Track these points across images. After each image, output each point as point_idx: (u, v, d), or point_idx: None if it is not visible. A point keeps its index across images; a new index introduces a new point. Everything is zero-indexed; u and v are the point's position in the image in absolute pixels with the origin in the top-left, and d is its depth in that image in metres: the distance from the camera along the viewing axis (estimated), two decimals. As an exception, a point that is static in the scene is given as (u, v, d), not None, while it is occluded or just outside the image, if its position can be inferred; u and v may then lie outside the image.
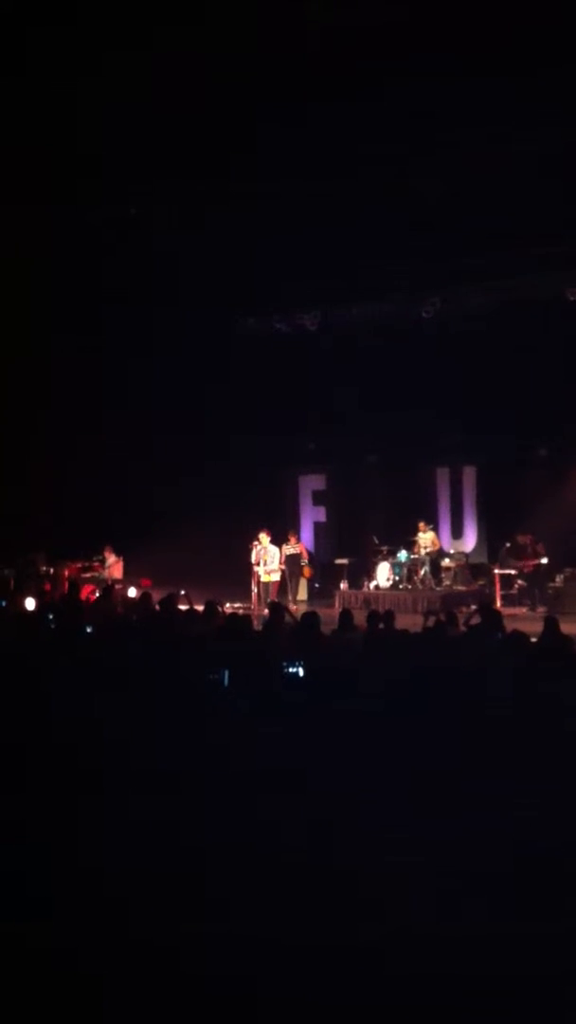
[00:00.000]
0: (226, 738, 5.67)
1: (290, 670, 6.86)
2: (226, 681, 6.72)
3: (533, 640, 7.49)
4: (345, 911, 4.11)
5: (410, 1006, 3.60)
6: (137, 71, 10.87)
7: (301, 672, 6.85)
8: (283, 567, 15.92)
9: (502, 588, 15.40)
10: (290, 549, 16.40)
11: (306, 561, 16.82)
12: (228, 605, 13.90)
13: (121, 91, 11.23)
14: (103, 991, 3.73)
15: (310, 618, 8.17)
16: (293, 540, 16.81)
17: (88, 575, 15.94)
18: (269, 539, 15.59)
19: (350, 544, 17.62)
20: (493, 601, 14.30)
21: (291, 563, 16.34)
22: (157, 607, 10.12)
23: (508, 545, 15.60)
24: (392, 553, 16.26)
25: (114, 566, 16.04)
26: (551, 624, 7.71)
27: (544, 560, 15.08)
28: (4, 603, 11.97)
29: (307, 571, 16.78)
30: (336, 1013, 3.60)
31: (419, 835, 4.48)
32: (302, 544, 17.13)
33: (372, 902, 4.14)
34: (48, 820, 4.86)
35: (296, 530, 17.69)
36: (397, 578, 16.06)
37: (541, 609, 14.11)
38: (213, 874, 4.40)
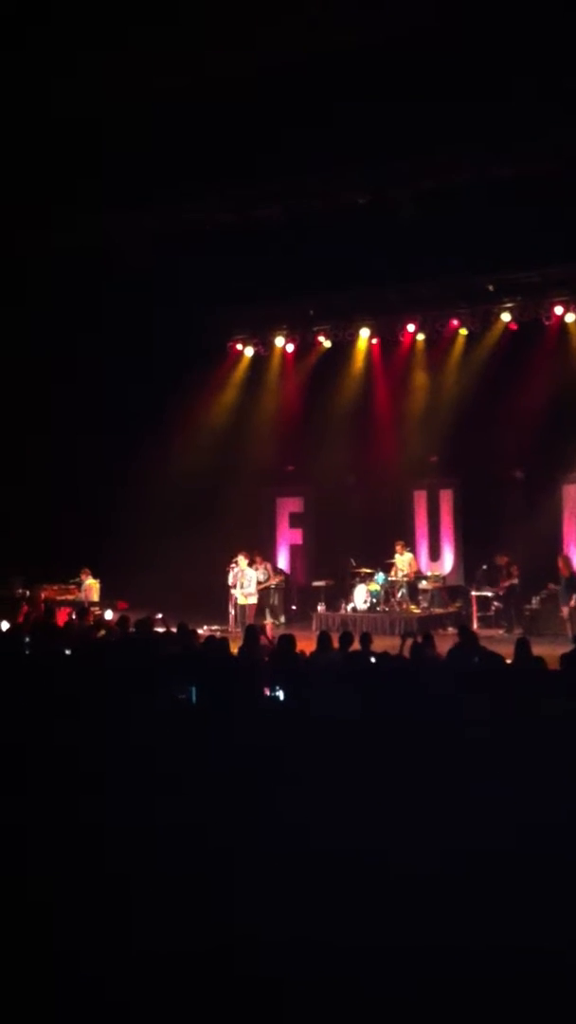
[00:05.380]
0: (203, 757, 5.66)
1: (271, 694, 6.88)
2: (193, 699, 6.73)
3: (508, 662, 7.60)
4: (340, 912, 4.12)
5: (410, 1006, 3.59)
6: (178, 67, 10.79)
7: (282, 695, 6.87)
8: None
9: (479, 610, 15.45)
10: (262, 575, 16.19)
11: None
12: (205, 628, 13.86)
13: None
14: (104, 993, 3.72)
15: (286, 641, 8.18)
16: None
17: (65, 597, 15.83)
18: (247, 562, 15.56)
19: (327, 566, 17.60)
20: (470, 622, 14.33)
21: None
22: (133, 629, 10.10)
23: (485, 567, 15.65)
24: (369, 575, 16.26)
25: (90, 589, 15.96)
26: (521, 646, 7.82)
27: (515, 581, 15.14)
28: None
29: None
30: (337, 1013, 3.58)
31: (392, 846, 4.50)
32: (268, 564, 16.82)
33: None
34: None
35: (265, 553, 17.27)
36: (375, 600, 16.05)
37: (518, 631, 14.12)
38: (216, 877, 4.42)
